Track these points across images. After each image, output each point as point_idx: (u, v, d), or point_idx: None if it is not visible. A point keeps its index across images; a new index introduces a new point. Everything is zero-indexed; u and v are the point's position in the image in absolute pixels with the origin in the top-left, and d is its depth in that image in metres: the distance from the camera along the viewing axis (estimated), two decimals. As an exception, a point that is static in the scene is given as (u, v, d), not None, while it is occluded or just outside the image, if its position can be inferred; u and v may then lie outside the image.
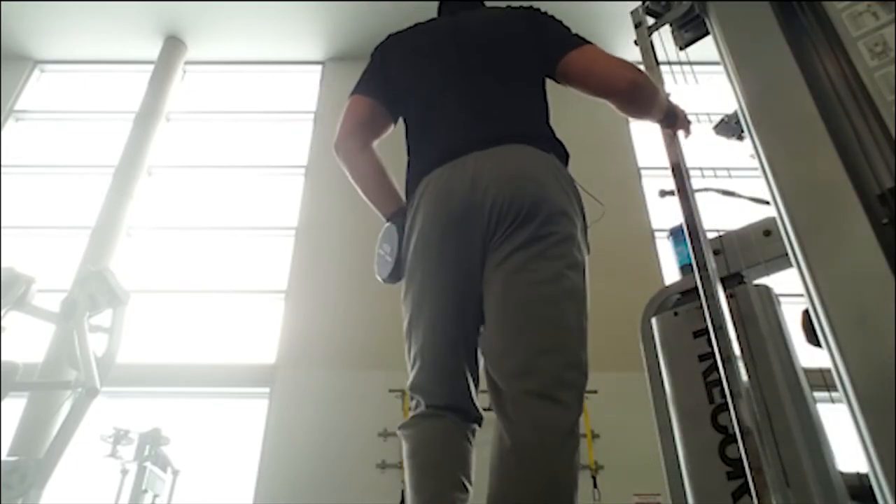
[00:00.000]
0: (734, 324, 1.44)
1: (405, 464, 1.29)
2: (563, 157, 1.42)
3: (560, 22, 1.54)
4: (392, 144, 1.62)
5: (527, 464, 1.11)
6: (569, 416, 1.15)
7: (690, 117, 1.79)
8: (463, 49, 1.50)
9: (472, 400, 1.34)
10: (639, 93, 1.47)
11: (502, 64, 1.47)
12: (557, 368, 1.18)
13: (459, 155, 1.34)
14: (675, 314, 1.98)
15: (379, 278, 1.46)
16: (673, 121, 1.67)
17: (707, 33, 1.68)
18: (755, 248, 1.88)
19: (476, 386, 1.35)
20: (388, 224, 1.46)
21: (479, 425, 1.35)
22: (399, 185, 1.50)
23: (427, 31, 1.60)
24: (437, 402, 1.31)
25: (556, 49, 1.47)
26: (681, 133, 1.74)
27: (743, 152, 1.54)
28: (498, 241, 1.28)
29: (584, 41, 1.48)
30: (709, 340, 1.50)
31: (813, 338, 1.68)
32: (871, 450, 0.96)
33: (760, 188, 1.33)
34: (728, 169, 3.33)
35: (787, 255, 1.21)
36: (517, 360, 1.20)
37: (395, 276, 1.41)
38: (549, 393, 1.15)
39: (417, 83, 1.51)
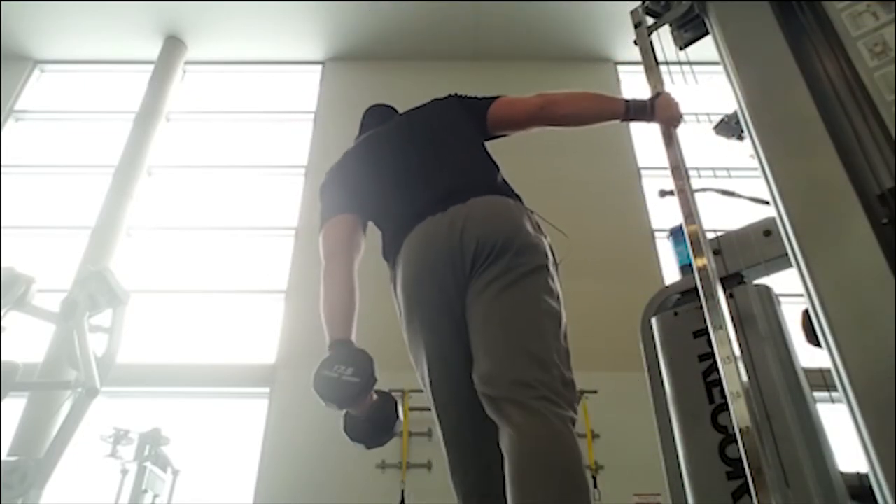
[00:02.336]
0: (734, 324, 1.44)
1: None
2: (522, 202, 1.52)
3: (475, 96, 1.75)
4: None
5: (546, 461, 1.12)
6: (571, 418, 1.20)
7: (689, 117, 1.79)
8: (409, 136, 1.64)
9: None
10: (557, 107, 1.66)
11: (447, 139, 1.61)
12: (551, 382, 1.23)
13: (436, 211, 1.42)
14: (675, 314, 1.98)
15: (333, 404, 1.31)
16: (644, 115, 1.71)
17: (707, 33, 1.68)
18: (755, 248, 1.88)
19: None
20: (350, 346, 1.36)
21: None
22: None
23: (370, 139, 1.73)
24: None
25: (481, 109, 1.68)
26: (679, 132, 1.75)
27: (743, 152, 1.54)
28: (477, 273, 1.35)
29: (498, 96, 1.70)
30: (709, 340, 1.50)
31: (813, 338, 1.68)
32: (871, 450, 0.96)
33: (760, 188, 1.33)
34: (728, 169, 3.34)
35: (787, 255, 1.21)
36: (513, 374, 1.23)
37: (360, 398, 1.32)
38: (550, 398, 1.20)
39: (380, 176, 1.60)
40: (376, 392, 1.39)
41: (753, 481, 1.25)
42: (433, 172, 1.53)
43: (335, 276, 1.48)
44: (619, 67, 7.71)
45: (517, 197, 1.50)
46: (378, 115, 1.88)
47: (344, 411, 1.39)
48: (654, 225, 6.40)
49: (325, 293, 1.46)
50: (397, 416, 1.41)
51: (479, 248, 1.34)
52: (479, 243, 1.34)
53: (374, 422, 1.39)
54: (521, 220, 1.41)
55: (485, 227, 1.36)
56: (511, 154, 1.62)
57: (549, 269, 1.39)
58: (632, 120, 1.72)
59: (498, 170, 1.57)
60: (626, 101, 1.70)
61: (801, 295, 1.14)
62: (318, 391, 1.31)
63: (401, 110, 1.82)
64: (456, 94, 1.75)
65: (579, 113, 1.70)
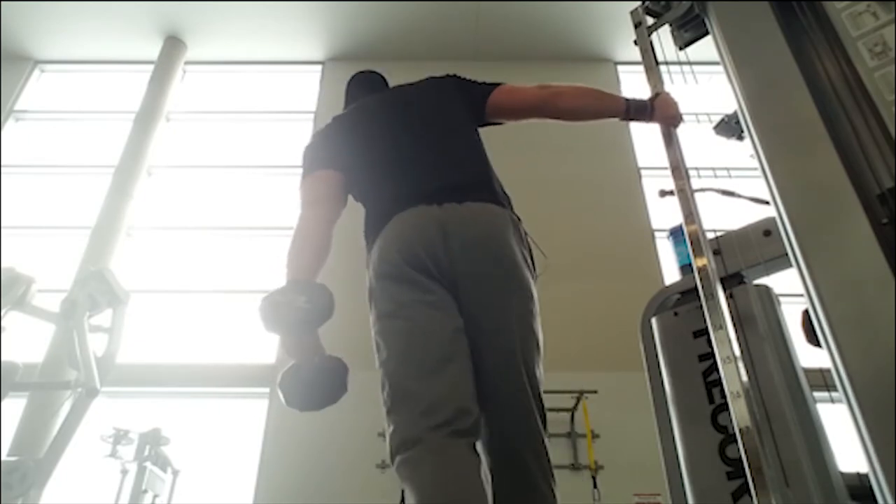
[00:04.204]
0: (734, 324, 1.44)
1: None
2: (511, 207, 1.50)
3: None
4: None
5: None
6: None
7: (689, 117, 1.79)
8: (405, 115, 1.60)
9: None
10: (560, 101, 1.64)
11: (444, 121, 1.58)
12: (544, 448, 1.31)
13: (431, 202, 1.37)
14: (675, 314, 1.98)
15: (277, 329, 1.25)
16: (644, 115, 1.71)
17: (707, 33, 1.68)
18: (755, 248, 1.88)
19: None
20: (305, 279, 1.32)
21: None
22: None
23: (361, 109, 1.69)
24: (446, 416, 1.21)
25: (482, 95, 1.65)
26: (679, 132, 1.75)
27: (743, 152, 1.54)
28: (468, 292, 1.32)
29: (498, 83, 1.67)
30: (709, 340, 1.50)
31: (813, 338, 1.68)
32: (871, 450, 0.96)
33: (760, 188, 1.33)
34: (728, 169, 3.34)
35: (787, 255, 1.21)
36: (526, 442, 1.28)
37: (309, 327, 1.28)
38: (547, 473, 1.28)
39: (370, 150, 1.55)
40: (330, 357, 1.31)
41: (753, 481, 1.25)
42: (430, 158, 1.49)
43: (312, 227, 1.43)
44: (619, 67, 7.71)
45: (508, 201, 1.49)
46: (367, 85, 1.84)
47: (287, 368, 1.29)
48: (654, 225, 6.40)
49: (299, 241, 1.40)
50: (345, 386, 1.31)
51: (471, 266, 1.32)
52: (471, 261, 1.32)
53: (316, 384, 1.28)
54: (512, 237, 1.38)
55: (478, 246, 1.34)
56: (510, 153, 1.62)
57: (533, 292, 1.39)
58: (632, 119, 1.72)
59: (489, 164, 1.55)
60: (627, 100, 1.70)
61: (801, 295, 1.14)
62: (263, 315, 1.22)
63: None
64: (454, 75, 1.72)
65: (581, 109, 1.69)
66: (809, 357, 1.73)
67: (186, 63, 7.78)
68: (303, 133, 7.23)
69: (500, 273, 1.34)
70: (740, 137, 1.82)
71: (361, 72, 1.90)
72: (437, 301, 1.31)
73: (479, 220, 1.38)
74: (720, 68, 1.50)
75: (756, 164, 1.32)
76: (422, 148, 1.51)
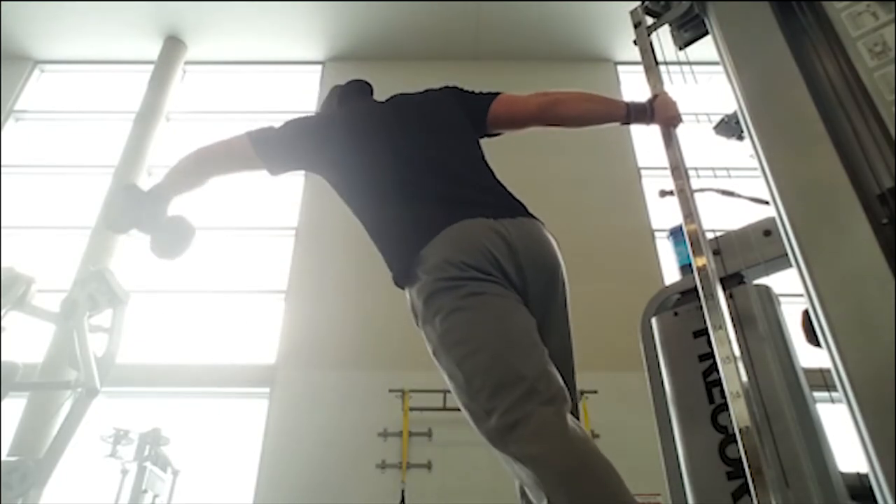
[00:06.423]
0: (734, 324, 1.44)
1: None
2: None
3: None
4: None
5: None
6: None
7: (689, 117, 1.79)
8: (416, 125, 1.57)
9: None
10: (559, 108, 1.65)
11: (457, 137, 1.57)
12: None
13: (482, 215, 1.35)
14: (675, 314, 1.98)
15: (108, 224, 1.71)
16: (644, 117, 1.71)
17: (706, 33, 1.68)
18: (755, 248, 1.88)
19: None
20: (153, 196, 1.72)
21: None
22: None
23: (365, 113, 1.66)
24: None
25: (482, 106, 1.65)
26: (679, 132, 1.75)
27: (743, 152, 1.54)
28: (536, 301, 1.35)
29: (497, 93, 1.67)
30: (709, 340, 1.50)
31: (813, 338, 1.68)
32: (871, 450, 0.96)
33: (760, 188, 1.33)
34: (728, 169, 3.34)
35: (787, 255, 1.21)
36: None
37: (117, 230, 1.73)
38: None
39: (381, 159, 1.50)
40: (173, 217, 1.74)
41: (753, 481, 1.25)
42: (461, 173, 1.47)
43: (221, 160, 1.75)
44: (619, 67, 7.72)
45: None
46: (360, 93, 1.83)
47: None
48: (654, 225, 6.41)
49: (201, 158, 1.72)
50: (193, 231, 1.80)
51: (536, 276, 1.35)
52: (538, 273, 1.35)
53: (171, 241, 1.77)
54: (557, 249, 1.44)
55: (540, 259, 1.37)
56: (511, 153, 1.62)
57: None
58: (632, 123, 1.71)
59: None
60: (627, 104, 1.69)
61: (801, 295, 1.14)
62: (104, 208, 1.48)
63: None
64: (454, 87, 1.70)
65: (581, 115, 1.68)
66: (809, 357, 1.73)
67: (186, 63, 7.79)
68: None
69: (559, 282, 1.41)
70: (740, 137, 1.82)
71: (355, 81, 1.88)
72: (511, 293, 1.32)
73: (534, 234, 1.40)
74: (720, 68, 1.50)
75: (756, 164, 1.32)
76: (448, 163, 1.49)
